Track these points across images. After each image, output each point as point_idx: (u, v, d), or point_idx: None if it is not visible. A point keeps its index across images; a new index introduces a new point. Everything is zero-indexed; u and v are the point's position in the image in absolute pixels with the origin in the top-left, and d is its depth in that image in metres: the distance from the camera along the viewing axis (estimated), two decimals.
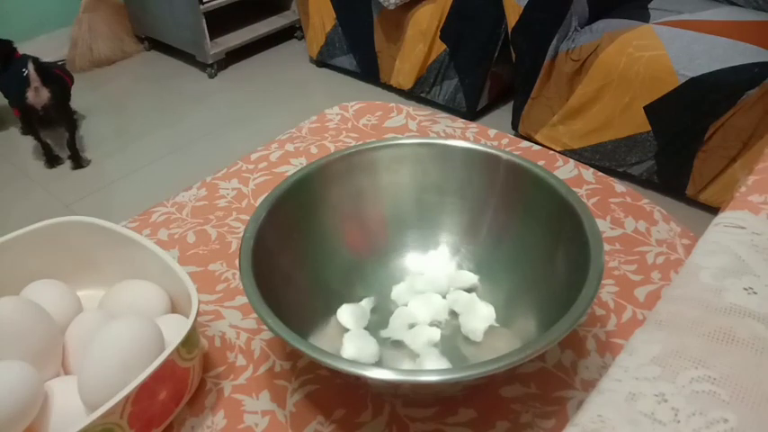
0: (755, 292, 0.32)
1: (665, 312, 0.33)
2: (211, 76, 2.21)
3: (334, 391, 0.47)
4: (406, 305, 0.52)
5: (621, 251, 0.58)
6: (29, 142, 1.90)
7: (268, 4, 2.44)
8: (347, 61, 2.09)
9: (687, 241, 0.59)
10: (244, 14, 2.37)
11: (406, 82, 1.92)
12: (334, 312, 0.51)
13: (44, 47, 2.31)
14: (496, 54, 1.70)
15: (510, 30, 1.52)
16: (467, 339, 0.50)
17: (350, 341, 0.48)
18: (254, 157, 0.74)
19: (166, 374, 0.42)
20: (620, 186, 0.66)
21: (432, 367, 0.46)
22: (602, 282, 0.50)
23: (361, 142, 0.62)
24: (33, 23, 2.29)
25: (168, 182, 1.69)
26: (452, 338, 0.50)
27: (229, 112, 2.01)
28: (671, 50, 1.32)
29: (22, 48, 2.29)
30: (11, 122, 1.99)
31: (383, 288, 0.54)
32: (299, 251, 0.51)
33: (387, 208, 0.57)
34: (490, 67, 1.73)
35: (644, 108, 1.39)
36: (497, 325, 0.50)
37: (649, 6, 1.52)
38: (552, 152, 0.72)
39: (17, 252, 0.51)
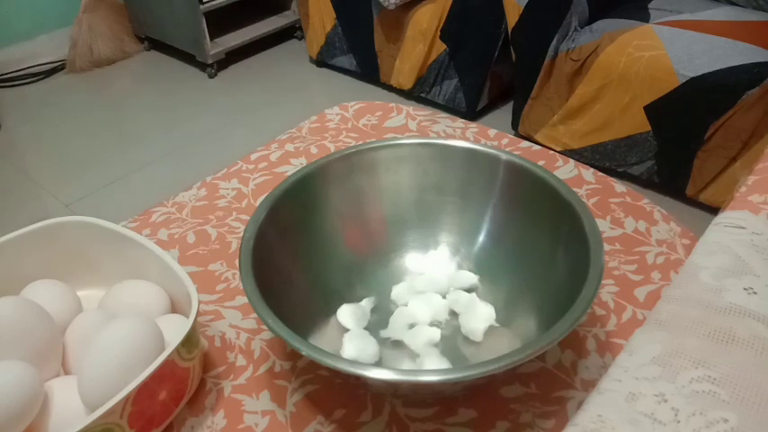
0: (755, 292, 0.32)
1: (665, 312, 0.33)
2: (211, 76, 2.21)
3: (334, 391, 0.47)
4: (406, 305, 0.52)
5: (621, 251, 0.58)
6: (29, 142, 1.90)
7: (268, 4, 2.44)
8: (347, 61, 2.09)
9: (687, 241, 0.59)
10: (244, 14, 2.38)
11: (406, 82, 1.92)
12: (334, 312, 0.51)
13: (44, 47, 2.32)
14: (496, 54, 1.70)
15: (510, 30, 1.52)
16: (467, 339, 0.50)
17: (350, 341, 0.48)
18: (254, 157, 0.74)
19: (166, 374, 0.42)
20: (620, 186, 0.66)
21: (432, 367, 0.46)
22: (602, 282, 0.51)
23: (361, 142, 0.62)
24: (33, 23, 2.29)
25: (168, 182, 1.69)
26: (452, 338, 0.50)
27: (229, 112, 2.01)
28: (671, 50, 1.32)
29: (22, 48, 2.30)
30: (10, 121, 2.00)
31: (383, 288, 0.54)
32: (299, 251, 0.51)
33: (387, 208, 0.57)
34: (490, 67, 1.73)
35: (644, 108, 1.39)
36: (497, 325, 0.50)
37: (649, 6, 1.52)
38: (552, 152, 0.72)
39: (17, 252, 0.51)
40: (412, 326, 0.50)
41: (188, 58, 2.29)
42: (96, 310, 0.49)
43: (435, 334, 0.50)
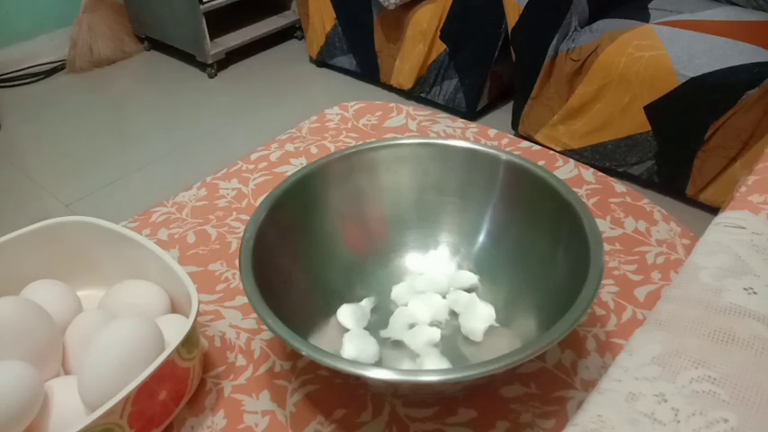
0: (755, 292, 0.32)
1: (665, 312, 0.33)
2: (211, 76, 2.21)
3: (334, 391, 0.47)
4: (406, 305, 0.52)
5: (621, 251, 0.58)
6: (29, 142, 1.90)
7: (268, 4, 2.44)
8: (347, 61, 2.09)
9: (687, 241, 0.59)
10: (244, 14, 2.38)
11: (406, 82, 1.92)
12: (334, 312, 0.51)
13: (44, 47, 2.32)
14: (496, 54, 1.70)
15: (510, 30, 1.52)
16: (467, 339, 0.50)
17: (350, 341, 0.48)
18: (254, 157, 0.74)
19: (166, 374, 0.42)
20: (620, 186, 0.66)
21: (432, 367, 0.46)
22: (602, 282, 0.51)
23: (361, 142, 0.62)
24: (33, 23, 2.29)
25: (168, 182, 1.69)
26: (452, 338, 0.50)
27: (229, 112, 2.01)
28: (671, 50, 1.32)
29: (22, 48, 2.30)
30: (10, 121, 2.00)
31: (383, 288, 0.54)
32: (299, 251, 0.51)
33: (387, 208, 0.57)
34: (490, 67, 1.73)
35: (644, 108, 1.39)
36: (497, 325, 0.50)
37: (649, 6, 1.52)
38: (552, 152, 0.72)
39: (17, 252, 0.51)
40: (412, 326, 0.50)
41: (188, 58, 2.29)
42: (96, 310, 0.49)
43: (435, 334, 0.50)
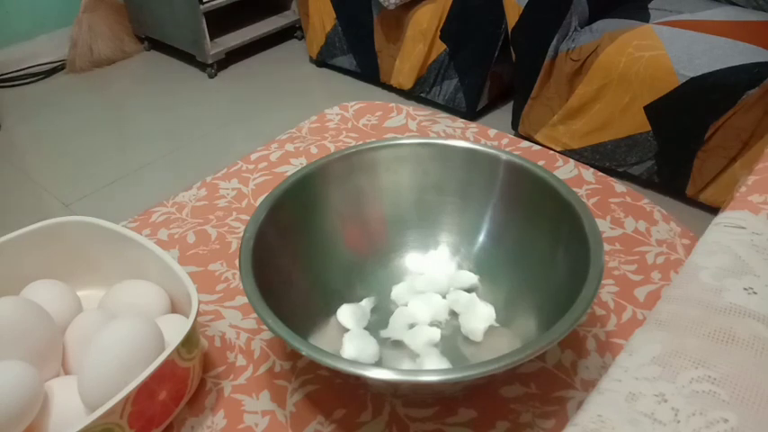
0: (755, 292, 0.32)
1: (665, 312, 0.33)
2: (211, 76, 2.21)
3: (334, 391, 0.47)
4: (406, 305, 0.52)
5: (621, 251, 0.58)
6: (29, 142, 1.90)
7: (268, 4, 2.44)
8: (347, 61, 2.09)
9: (687, 241, 0.59)
10: (244, 14, 2.38)
11: (406, 82, 1.92)
12: (334, 312, 0.51)
13: (44, 47, 2.32)
14: (496, 54, 1.70)
15: (510, 30, 1.52)
16: (467, 339, 0.50)
17: (350, 341, 0.48)
18: (254, 157, 0.74)
19: (166, 374, 0.42)
20: (620, 186, 0.66)
21: (432, 367, 0.46)
22: (602, 282, 0.51)
23: (361, 142, 0.62)
24: (33, 23, 2.29)
25: (168, 182, 1.69)
26: (452, 338, 0.50)
27: (229, 112, 2.01)
28: (671, 50, 1.32)
29: (22, 48, 2.30)
30: (10, 121, 2.00)
31: (383, 288, 0.54)
32: (299, 251, 0.51)
33: (387, 208, 0.57)
34: (490, 67, 1.73)
35: (644, 108, 1.39)
36: (497, 325, 0.50)
37: (649, 6, 1.52)
38: (552, 152, 0.72)
39: (17, 252, 0.51)
40: (412, 326, 0.50)
41: (188, 58, 2.29)
42: (96, 310, 0.49)
43: (435, 334, 0.50)
